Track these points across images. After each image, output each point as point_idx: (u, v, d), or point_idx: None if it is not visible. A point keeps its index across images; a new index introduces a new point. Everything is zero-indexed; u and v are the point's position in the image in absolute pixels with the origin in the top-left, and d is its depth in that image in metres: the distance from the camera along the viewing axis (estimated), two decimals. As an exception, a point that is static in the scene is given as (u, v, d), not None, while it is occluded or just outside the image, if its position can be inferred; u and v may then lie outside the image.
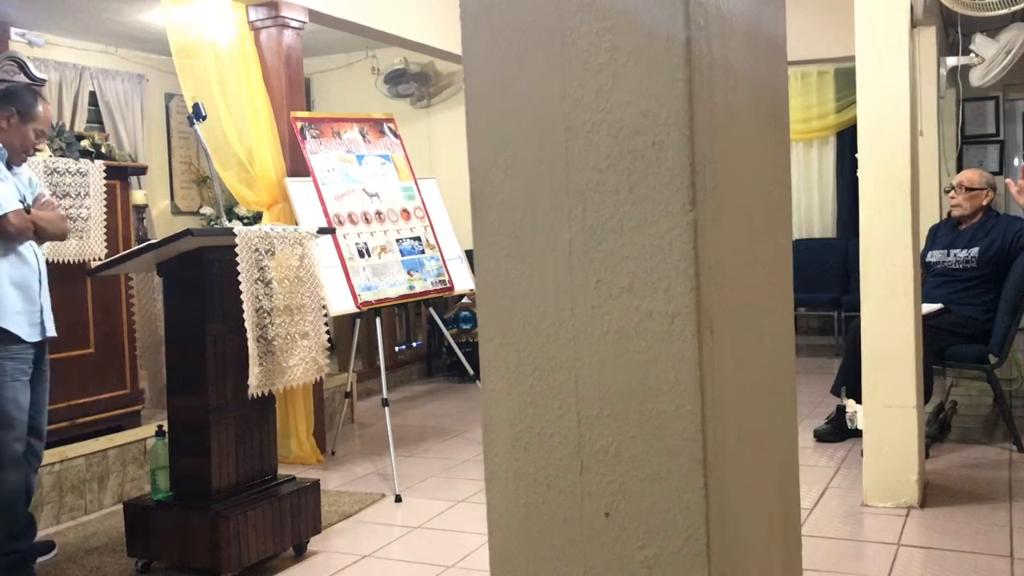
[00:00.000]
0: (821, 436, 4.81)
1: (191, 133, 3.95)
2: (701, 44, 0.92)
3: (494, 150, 0.98)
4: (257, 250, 3.30)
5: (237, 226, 3.39)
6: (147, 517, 3.32)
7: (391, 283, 4.75)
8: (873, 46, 3.71)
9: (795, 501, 1.39)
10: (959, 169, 7.33)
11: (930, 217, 5.59)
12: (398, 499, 4.16)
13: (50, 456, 3.94)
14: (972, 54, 6.25)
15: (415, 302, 6.10)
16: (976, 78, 6.36)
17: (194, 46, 4.77)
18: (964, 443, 4.69)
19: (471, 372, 5.42)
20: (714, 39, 0.96)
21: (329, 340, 3.70)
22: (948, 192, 4.97)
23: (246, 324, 3.21)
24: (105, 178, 4.22)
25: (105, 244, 4.12)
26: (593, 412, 0.95)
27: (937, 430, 4.75)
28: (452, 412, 6.05)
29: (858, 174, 3.80)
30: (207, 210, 8.12)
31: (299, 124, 4.72)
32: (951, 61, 6.38)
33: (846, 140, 8.11)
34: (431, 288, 4.99)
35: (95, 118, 7.51)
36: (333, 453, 5.05)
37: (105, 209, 4.20)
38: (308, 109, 7.02)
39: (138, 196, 6.39)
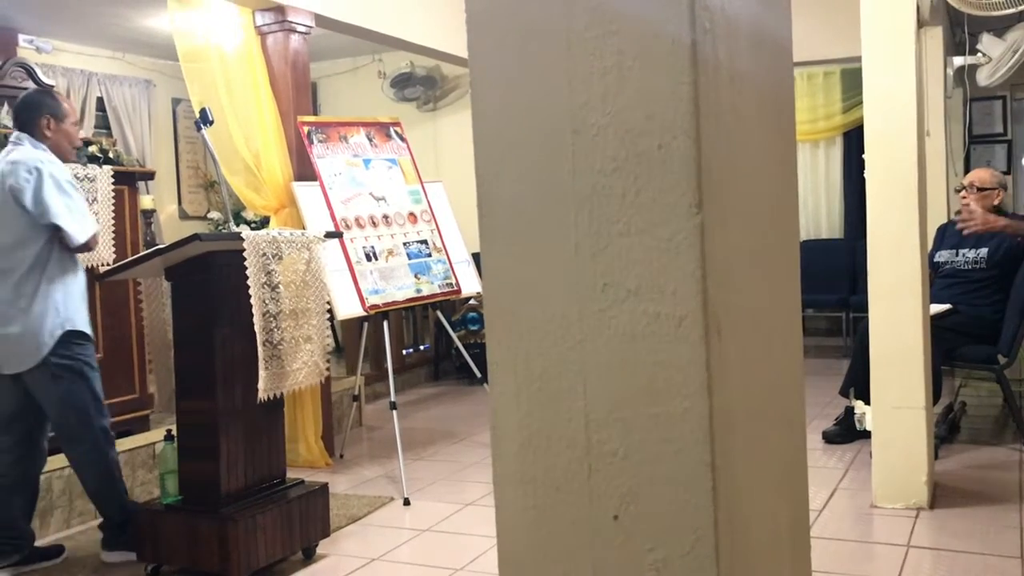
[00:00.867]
0: (830, 437, 4.80)
1: (198, 138, 3.95)
2: (707, 47, 0.92)
3: (500, 154, 0.98)
4: (264, 254, 3.31)
5: (245, 231, 3.40)
6: (156, 521, 3.33)
7: (398, 286, 4.76)
8: (879, 46, 3.70)
9: (804, 503, 1.38)
10: (967, 169, 7.31)
11: (938, 217, 5.58)
12: (406, 502, 4.17)
13: (60, 461, 3.95)
14: (979, 54, 6.23)
15: (422, 305, 6.10)
16: (983, 78, 6.35)
17: (201, 51, 4.79)
18: (974, 444, 4.67)
19: (479, 374, 5.43)
20: (720, 42, 0.96)
21: (337, 344, 3.71)
22: (959, 192, 4.96)
23: (255, 329, 3.22)
24: (113, 183, 4.23)
25: (113, 249, 4.13)
26: (601, 415, 0.95)
27: (946, 431, 4.74)
28: (460, 415, 6.05)
29: (865, 175, 3.79)
30: (215, 214, 8.15)
31: (306, 129, 4.73)
32: (958, 61, 6.37)
33: (853, 141, 8.09)
34: (438, 291, 4.99)
35: (103, 123, 7.54)
36: (341, 456, 5.05)
37: (113, 214, 4.22)
38: (315, 113, 7.03)
39: (146, 201, 6.42)
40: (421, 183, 5.20)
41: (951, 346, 4.54)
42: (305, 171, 4.83)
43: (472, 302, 6.88)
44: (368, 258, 4.66)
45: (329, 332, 3.64)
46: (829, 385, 5.43)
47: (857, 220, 7.81)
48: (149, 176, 5.42)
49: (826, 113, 8.25)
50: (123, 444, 4.22)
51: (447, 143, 8.10)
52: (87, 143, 4.29)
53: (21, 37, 6.64)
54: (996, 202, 4.76)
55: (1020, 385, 5.85)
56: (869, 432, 3.97)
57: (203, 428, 3.28)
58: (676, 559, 0.92)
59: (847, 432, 4.77)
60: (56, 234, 3.28)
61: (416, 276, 4.88)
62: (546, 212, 0.96)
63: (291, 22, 4.92)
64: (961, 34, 6.39)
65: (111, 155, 4.29)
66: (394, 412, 4.52)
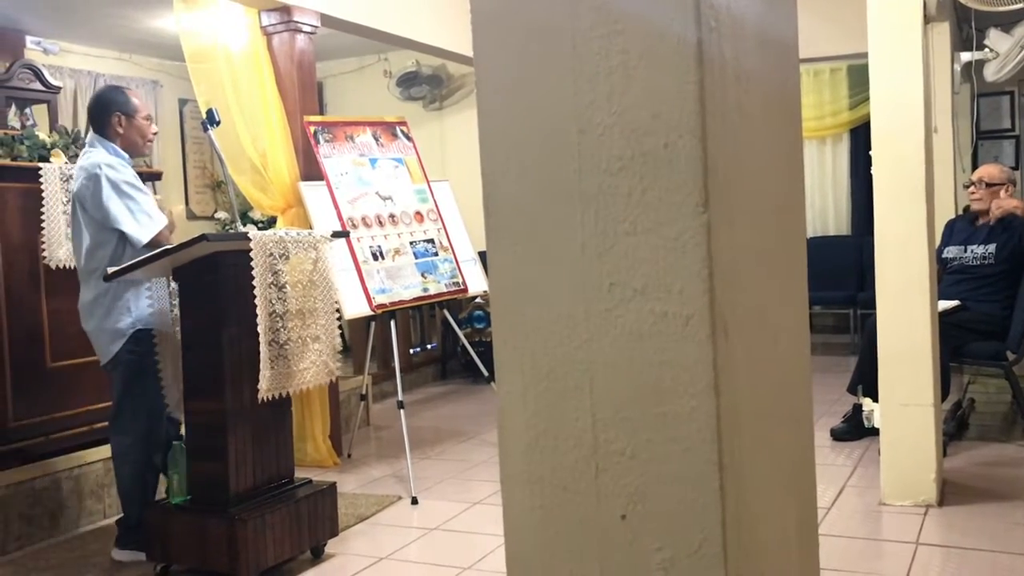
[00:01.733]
0: (838, 435, 4.79)
1: (205, 138, 3.96)
2: (712, 45, 0.92)
3: (506, 153, 0.98)
4: (271, 254, 3.32)
5: (252, 231, 3.40)
6: (165, 521, 3.34)
7: (405, 285, 4.76)
8: (886, 42, 3.69)
9: (812, 501, 1.38)
10: (974, 165, 7.28)
11: (945, 213, 5.56)
12: (414, 501, 4.17)
13: (69, 461, 3.98)
14: (986, 49, 6.21)
15: (429, 304, 6.11)
16: (991, 73, 6.32)
17: (207, 52, 4.79)
18: (982, 441, 4.66)
19: (485, 373, 5.43)
20: (725, 40, 0.96)
21: (344, 343, 3.71)
22: (968, 188, 4.95)
23: (259, 328, 3.22)
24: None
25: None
26: (608, 414, 0.95)
27: (955, 428, 4.72)
28: (467, 414, 6.06)
29: (872, 171, 3.78)
30: (222, 215, 8.16)
31: (312, 128, 4.73)
32: (965, 56, 6.34)
33: (860, 137, 8.07)
34: (445, 290, 4.99)
35: (110, 124, 7.54)
36: (349, 456, 5.06)
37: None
38: (321, 113, 7.04)
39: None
40: (427, 182, 5.20)
41: (959, 343, 4.53)
42: (312, 171, 4.83)
43: (478, 301, 6.89)
44: (375, 257, 4.67)
45: (337, 332, 3.64)
46: (837, 382, 5.42)
47: (864, 217, 7.79)
48: (156, 176, 5.43)
49: (833, 110, 8.23)
50: (132, 444, 4.25)
51: (453, 142, 8.10)
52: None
53: (28, 39, 6.66)
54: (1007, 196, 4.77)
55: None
56: (877, 429, 3.96)
57: (211, 428, 3.28)
58: (684, 558, 0.92)
59: (855, 429, 4.76)
60: (122, 236, 3.39)
61: (423, 275, 4.88)
62: (552, 211, 0.96)
63: (297, 22, 4.93)
64: (968, 30, 6.37)
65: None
66: (401, 411, 4.52)
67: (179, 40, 4.80)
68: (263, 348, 3.25)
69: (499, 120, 0.98)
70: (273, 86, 4.87)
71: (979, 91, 6.98)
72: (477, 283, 5.28)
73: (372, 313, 4.64)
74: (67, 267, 3.92)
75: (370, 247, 4.67)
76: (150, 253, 3.30)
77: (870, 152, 3.79)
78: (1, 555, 3.64)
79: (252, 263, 3.24)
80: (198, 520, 3.27)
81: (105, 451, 4.12)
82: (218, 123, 3.85)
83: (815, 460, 1.41)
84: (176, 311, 3.55)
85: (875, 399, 4.11)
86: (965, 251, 4.82)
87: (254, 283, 3.24)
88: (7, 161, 3.94)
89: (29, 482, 3.80)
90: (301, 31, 4.97)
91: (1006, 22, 6.21)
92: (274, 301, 3.31)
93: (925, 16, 3.77)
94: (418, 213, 5.05)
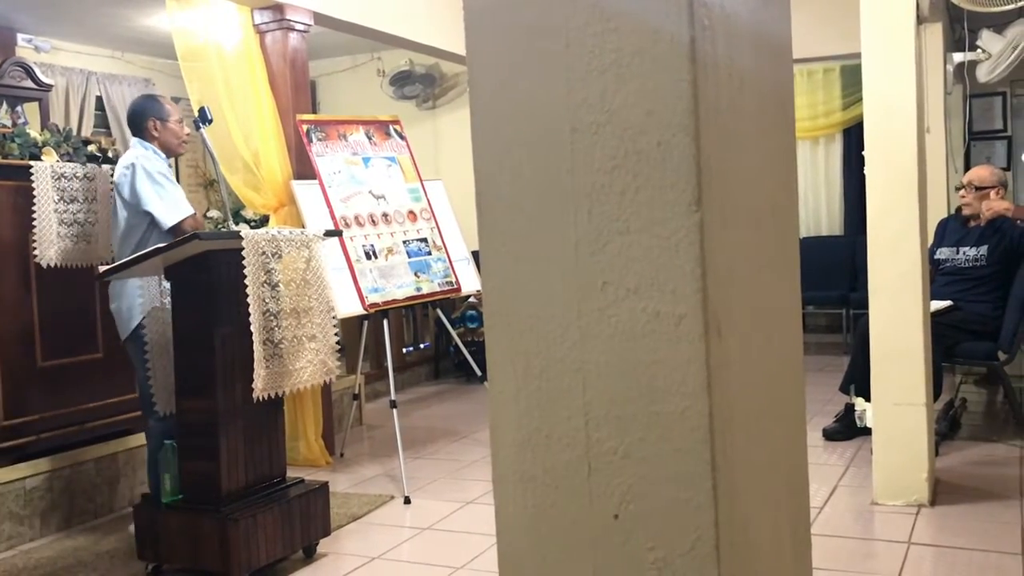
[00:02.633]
0: (830, 435, 4.79)
1: (197, 137, 3.97)
2: (706, 44, 0.91)
3: (499, 152, 0.97)
4: (264, 253, 3.31)
5: (244, 229, 3.39)
6: (157, 520, 3.33)
7: (398, 285, 4.75)
8: (879, 43, 3.69)
9: (805, 500, 1.38)
10: (967, 166, 7.30)
11: (938, 214, 5.57)
12: (407, 501, 4.17)
13: (60, 460, 3.96)
14: (979, 50, 6.22)
15: (423, 304, 6.10)
16: (983, 74, 6.34)
17: (200, 50, 4.78)
18: (974, 440, 4.67)
19: (478, 372, 5.42)
20: (719, 39, 0.96)
21: (338, 342, 3.70)
22: (959, 190, 4.97)
23: (252, 327, 3.22)
24: (112, 182, 4.22)
25: (112, 248, 4.12)
26: (601, 414, 0.94)
27: (947, 428, 4.74)
28: (460, 413, 6.05)
29: (865, 171, 3.79)
30: (214, 213, 8.13)
31: (305, 127, 4.72)
32: (958, 57, 6.36)
33: (853, 137, 8.09)
34: (438, 289, 4.99)
35: (102, 123, 7.53)
36: (342, 455, 5.05)
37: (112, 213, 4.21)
38: (314, 112, 7.03)
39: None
40: (421, 181, 5.20)
41: (951, 343, 4.54)
42: (304, 170, 4.82)
43: (472, 300, 6.88)
44: (368, 256, 4.66)
45: (335, 331, 3.64)
46: (829, 382, 5.43)
47: (857, 217, 7.82)
48: (148, 175, 5.41)
49: (826, 110, 8.25)
50: (124, 443, 4.23)
51: (447, 141, 8.09)
52: (86, 142, 4.29)
53: (20, 36, 6.63)
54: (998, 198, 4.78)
55: (1020, 381, 5.86)
56: (869, 429, 3.97)
57: (203, 427, 3.27)
58: (677, 558, 0.92)
59: (847, 429, 4.76)
60: (153, 220, 3.61)
61: (416, 274, 4.88)
62: (545, 210, 0.95)
63: (290, 20, 4.92)
64: (961, 30, 6.39)
65: (110, 154, 4.28)
66: (394, 410, 4.52)
67: (171, 38, 4.79)
68: (257, 347, 3.24)
69: (492, 118, 0.98)
70: (266, 84, 4.86)
71: (971, 92, 7.01)
72: (470, 282, 5.27)
73: (365, 312, 4.63)
74: (58, 266, 3.90)
75: (363, 246, 4.66)
76: (146, 251, 3.31)
77: (863, 152, 3.80)
78: (-9, 555, 3.63)
79: (244, 262, 3.23)
80: (190, 519, 3.26)
81: (96, 451, 4.12)
82: (210, 121, 3.85)
83: (808, 460, 1.41)
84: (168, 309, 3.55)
85: (867, 399, 4.12)
86: (957, 253, 4.84)
87: (246, 282, 3.23)
88: (-2, 159, 3.93)
89: (19, 481, 3.79)
90: (294, 29, 4.96)
91: (998, 23, 6.23)
92: (267, 300, 3.30)
93: (918, 17, 3.78)
94: (411, 212, 5.04)
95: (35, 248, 3.88)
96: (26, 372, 3.92)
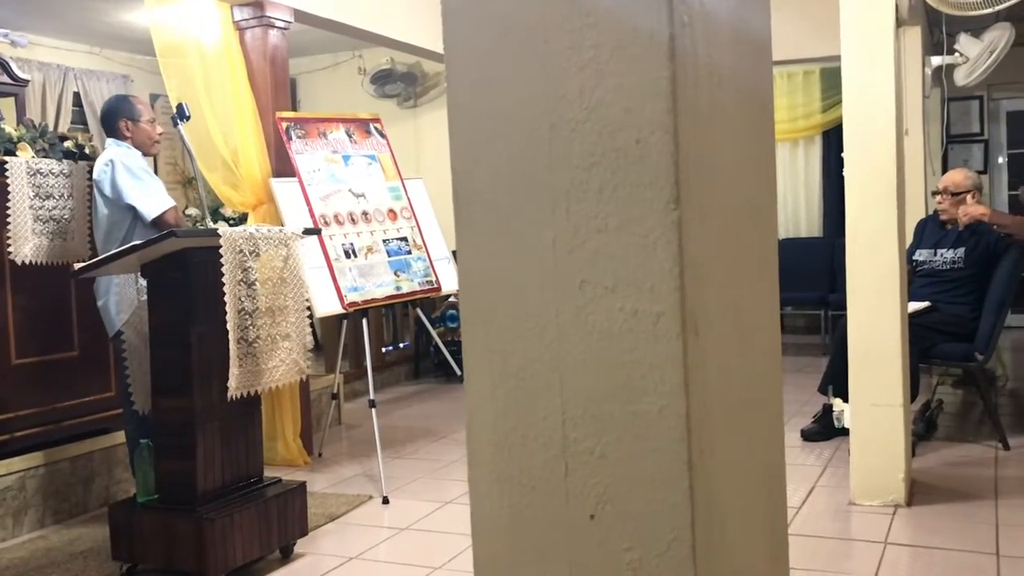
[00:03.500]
0: (808, 435, 4.81)
1: (175, 134, 3.94)
2: (685, 41, 0.91)
3: (476, 148, 0.96)
4: (241, 251, 3.28)
5: (222, 227, 3.37)
6: (132, 520, 3.30)
7: (378, 284, 4.73)
8: (859, 46, 3.71)
9: (782, 501, 1.38)
10: (944, 169, 7.35)
11: (916, 216, 5.61)
12: (385, 501, 4.15)
13: (35, 459, 3.91)
14: (957, 53, 6.27)
15: (402, 303, 6.08)
16: (960, 77, 6.38)
17: (179, 46, 4.74)
18: (950, 441, 4.71)
19: (458, 372, 5.41)
20: (698, 36, 0.95)
21: (316, 342, 3.69)
22: (935, 195, 5.00)
23: (228, 326, 3.19)
24: (88, 179, 4.17)
25: (89, 246, 4.08)
26: (578, 413, 0.94)
27: (923, 428, 4.77)
28: (440, 413, 6.04)
29: (844, 173, 3.80)
30: (192, 211, 8.06)
31: (284, 124, 4.69)
32: (936, 60, 6.40)
33: (832, 140, 8.14)
34: (418, 289, 4.97)
35: (79, 119, 7.46)
36: (320, 455, 5.03)
37: (88, 210, 4.16)
38: (294, 110, 6.98)
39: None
40: (401, 179, 5.18)
41: (928, 344, 4.57)
42: (283, 167, 4.79)
43: (452, 299, 6.86)
44: (347, 255, 4.63)
45: (309, 330, 3.62)
46: (807, 383, 5.45)
47: (836, 219, 7.86)
48: (126, 172, 5.36)
49: (805, 112, 8.29)
50: (99, 442, 4.19)
51: (428, 140, 8.07)
52: (63, 138, 4.24)
53: (-4, 31, 6.55)
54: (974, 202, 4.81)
55: (996, 383, 5.90)
56: (847, 430, 3.99)
57: (179, 426, 3.25)
58: (653, 559, 0.91)
59: (825, 430, 4.78)
60: (136, 214, 3.64)
61: (396, 273, 4.86)
62: (523, 207, 0.95)
63: (270, 17, 4.89)
64: (939, 34, 6.43)
65: (87, 151, 4.24)
66: (373, 410, 4.49)
67: (150, 34, 4.74)
68: (232, 346, 3.21)
69: (470, 114, 0.97)
70: (245, 82, 4.83)
71: (949, 95, 7.05)
72: (450, 282, 5.25)
73: (344, 311, 4.61)
74: (33, 263, 3.86)
75: (342, 244, 4.63)
76: (122, 248, 3.28)
77: (842, 154, 3.81)
78: (-37, 555, 3.58)
79: (222, 260, 3.21)
80: (165, 519, 3.23)
81: (71, 450, 4.08)
82: (188, 118, 3.83)
83: (786, 460, 1.41)
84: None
85: (845, 399, 4.14)
86: (935, 255, 4.87)
87: (223, 280, 3.20)
88: (-28, 154, 3.88)
89: (-8, 481, 3.74)
90: (274, 26, 4.93)
91: (976, 27, 6.27)
92: (243, 298, 3.28)
93: (897, 20, 3.80)
94: (391, 211, 5.02)
95: (9, 244, 3.84)
96: (0, 370, 3.88)
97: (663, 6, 0.87)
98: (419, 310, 5.76)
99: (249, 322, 3.29)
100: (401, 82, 8.24)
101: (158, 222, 3.62)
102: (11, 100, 6.00)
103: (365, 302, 4.64)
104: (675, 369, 0.89)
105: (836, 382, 4.62)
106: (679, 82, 0.89)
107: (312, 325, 3.67)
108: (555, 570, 0.95)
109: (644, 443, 0.90)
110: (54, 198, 3.98)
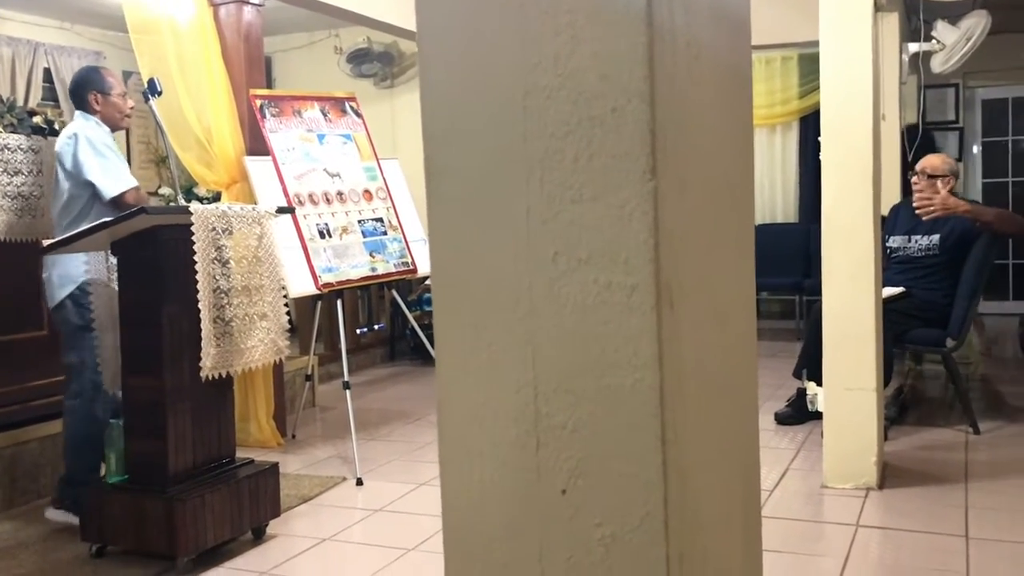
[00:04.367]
0: (782, 419, 4.84)
1: (148, 111, 3.87)
2: (662, 9, 0.89)
3: (449, 115, 0.94)
4: (214, 229, 3.24)
5: (194, 204, 3.32)
6: (102, 501, 3.26)
7: (353, 265, 4.69)
8: (837, 31, 3.71)
9: (756, 482, 1.37)
10: (919, 156, 7.38)
11: (892, 201, 5.63)
12: (359, 482, 4.13)
13: (3, 439, 3.86)
14: (933, 40, 6.29)
15: (378, 285, 6.04)
16: (937, 64, 6.41)
17: (152, 22, 4.66)
18: (922, 425, 4.74)
19: (433, 355, 5.38)
20: (676, 6, 0.93)
21: (290, 323, 3.65)
22: (911, 177, 5.00)
23: (200, 305, 3.15)
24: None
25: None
26: (551, 387, 0.92)
27: (896, 413, 4.80)
28: (414, 395, 6.02)
29: (820, 158, 3.81)
30: (166, 190, 7.96)
31: (258, 102, 4.63)
32: (913, 47, 6.42)
33: (809, 125, 8.15)
34: (394, 270, 4.94)
35: (50, 95, 7.34)
36: (293, 436, 5.00)
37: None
38: (269, 88, 6.90)
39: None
40: (377, 160, 5.13)
41: (902, 329, 4.59)
42: (257, 146, 4.74)
43: (428, 282, 6.82)
44: (321, 235, 4.59)
45: (285, 310, 3.58)
46: (782, 367, 5.48)
47: (812, 205, 7.87)
48: (97, 149, 5.27)
49: (783, 98, 8.30)
50: (68, 423, 4.13)
51: (404, 120, 8.01)
52: (31, 113, 4.17)
53: (-36, 5, 6.44)
54: (948, 189, 4.79)
55: (967, 368, 5.96)
56: (821, 413, 4.01)
57: (150, 406, 3.21)
58: (625, 534, 0.90)
59: (799, 413, 4.81)
60: (95, 191, 3.53)
61: (371, 254, 4.82)
62: (496, 177, 0.92)
63: (244, -7, 4.81)
64: (916, 21, 6.45)
65: (56, 126, 4.17)
66: (347, 392, 4.47)
67: (122, 10, 4.66)
68: (206, 325, 3.17)
69: (443, 81, 0.94)
70: (219, 59, 4.76)
71: (925, 82, 7.08)
72: (426, 263, 5.22)
73: (318, 292, 4.57)
74: (1, 240, 3.80)
75: (317, 225, 4.59)
76: (92, 224, 3.23)
77: (819, 139, 3.82)
78: (-71, 535, 3.53)
79: (194, 237, 3.16)
80: (135, 500, 3.20)
81: (40, 430, 4.02)
82: (159, 93, 3.77)
83: (760, 443, 1.40)
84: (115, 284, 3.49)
85: (819, 383, 4.16)
86: (909, 241, 4.88)
87: (196, 258, 3.16)
88: (-63, 128, 3.81)
89: (-41, 461, 3.69)
90: (249, 3, 4.86)
91: (952, 14, 6.30)
92: (218, 277, 3.24)
93: (875, 5, 3.80)
94: (367, 191, 4.98)
95: (-23, 221, 3.77)
96: (-36, 350, 3.82)
97: (641, -29, 0.85)
98: (395, 292, 5.73)
99: (225, 301, 3.25)
100: (378, 62, 8.17)
101: (118, 202, 3.52)
102: (-21, 75, 5.89)
103: (340, 283, 4.60)
104: (649, 342, 0.87)
105: (810, 366, 4.64)
106: (656, 50, 0.87)
107: (287, 306, 3.63)
108: (525, 546, 0.94)
109: (617, 417, 0.89)
110: (22, 174, 3.92)
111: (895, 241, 4.94)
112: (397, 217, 5.07)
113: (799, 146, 8.41)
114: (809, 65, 7.89)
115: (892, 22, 6.32)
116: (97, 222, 3.25)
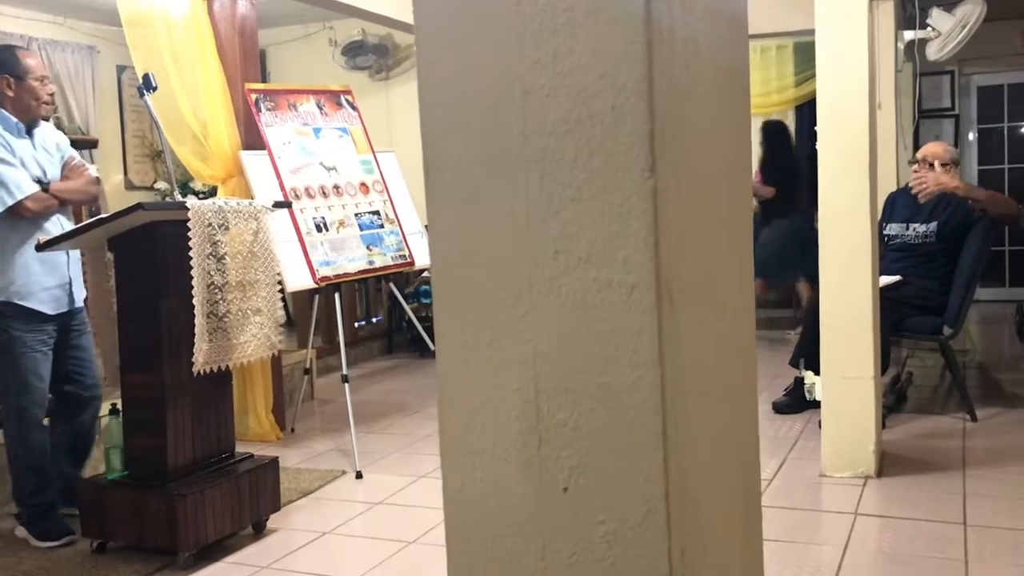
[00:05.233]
0: (780, 408, 4.85)
1: (143, 106, 3.84)
2: (661, 7, 0.89)
3: (448, 114, 0.94)
4: (210, 224, 3.23)
5: (191, 200, 3.32)
6: (102, 497, 3.27)
7: (350, 258, 4.69)
8: (833, 19, 3.70)
9: (755, 473, 1.38)
10: (916, 143, 7.39)
11: (888, 189, 5.63)
12: (359, 475, 4.14)
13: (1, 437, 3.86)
14: (929, 28, 6.28)
15: (375, 278, 6.04)
16: (932, 52, 6.40)
17: (145, 16, 4.64)
18: (919, 414, 4.76)
19: (431, 347, 5.38)
20: (674, 3, 0.93)
21: (288, 316, 3.65)
22: (912, 165, 4.99)
23: (194, 300, 3.15)
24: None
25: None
26: (551, 385, 0.92)
27: (893, 401, 4.81)
28: (413, 388, 6.02)
29: (817, 147, 3.81)
30: (161, 185, 7.97)
31: (254, 96, 4.62)
32: (908, 35, 6.42)
33: (805, 114, 8.14)
34: (391, 263, 4.93)
35: (44, 90, 7.30)
36: (292, 430, 5.00)
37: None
38: (264, 81, 6.89)
39: (90, 170, 6.23)
40: (373, 153, 5.12)
41: (899, 317, 4.60)
42: (253, 140, 4.72)
43: (426, 275, 6.83)
44: (318, 229, 4.59)
45: (280, 304, 3.58)
46: (779, 356, 5.49)
47: (808, 192, 7.87)
48: (92, 144, 5.28)
49: (779, 87, 8.28)
50: (67, 419, 4.13)
51: (400, 113, 7.99)
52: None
53: (-44, -1, 6.40)
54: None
55: (964, 356, 5.98)
56: (818, 402, 4.02)
57: (149, 402, 3.21)
58: (627, 531, 0.90)
59: (797, 402, 4.82)
60: None
61: (368, 248, 4.82)
62: (496, 175, 0.92)
63: (238, -14, 4.79)
64: (912, 8, 6.44)
65: (51, 122, 4.15)
66: (346, 385, 4.47)
67: (116, 3, 4.64)
68: (199, 320, 3.17)
69: (441, 78, 0.94)
70: (214, 52, 4.74)
71: (921, 70, 7.08)
72: (424, 256, 5.22)
73: (316, 286, 4.57)
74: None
75: (313, 218, 4.59)
76: (87, 222, 3.22)
77: (815, 128, 3.81)
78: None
79: (190, 233, 3.16)
80: (135, 496, 3.21)
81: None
82: (155, 88, 3.74)
83: (759, 432, 1.41)
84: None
85: (817, 372, 4.17)
86: (907, 229, 4.88)
87: (191, 254, 3.16)
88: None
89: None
90: (243, -4, 4.84)
91: (948, 2, 6.29)
92: (213, 272, 3.23)
93: (871, -8, 3.80)
94: (363, 184, 4.97)
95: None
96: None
97: (638, -32, 0.85)
98: (392, 285, 5.73)
99: (219, 296, 3.25)
100: (373, 54, 8.15)
101: (16, 210, 3.21)
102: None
103: (337, 276, 4.60)
104: (649, 340, 0.87)
105: (808, 355, 4.64)
106: (655, 48, 0.87)
107: (284, 300, 3.63)
108: (528, 543, 0.94)
109: (618, 415, 0.89)
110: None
111: (892, 228, 4.94)
112: (394, 210, 5.06)
113: (795, 134, 8.40)
114: (805, 53, 7.87)
115: (888, 10, 6.32)
116: (93, 219, 3.24)
